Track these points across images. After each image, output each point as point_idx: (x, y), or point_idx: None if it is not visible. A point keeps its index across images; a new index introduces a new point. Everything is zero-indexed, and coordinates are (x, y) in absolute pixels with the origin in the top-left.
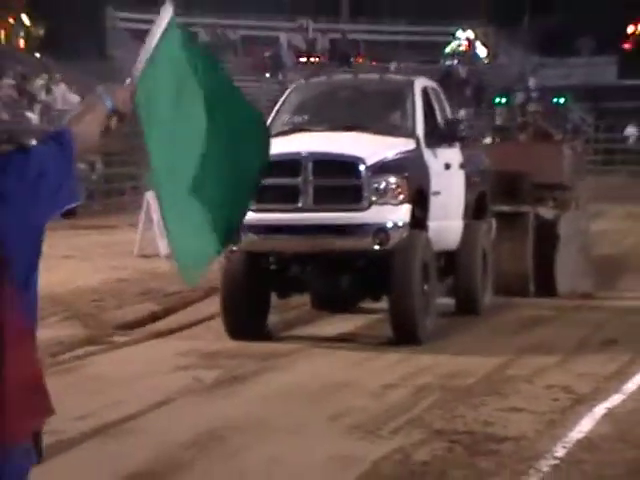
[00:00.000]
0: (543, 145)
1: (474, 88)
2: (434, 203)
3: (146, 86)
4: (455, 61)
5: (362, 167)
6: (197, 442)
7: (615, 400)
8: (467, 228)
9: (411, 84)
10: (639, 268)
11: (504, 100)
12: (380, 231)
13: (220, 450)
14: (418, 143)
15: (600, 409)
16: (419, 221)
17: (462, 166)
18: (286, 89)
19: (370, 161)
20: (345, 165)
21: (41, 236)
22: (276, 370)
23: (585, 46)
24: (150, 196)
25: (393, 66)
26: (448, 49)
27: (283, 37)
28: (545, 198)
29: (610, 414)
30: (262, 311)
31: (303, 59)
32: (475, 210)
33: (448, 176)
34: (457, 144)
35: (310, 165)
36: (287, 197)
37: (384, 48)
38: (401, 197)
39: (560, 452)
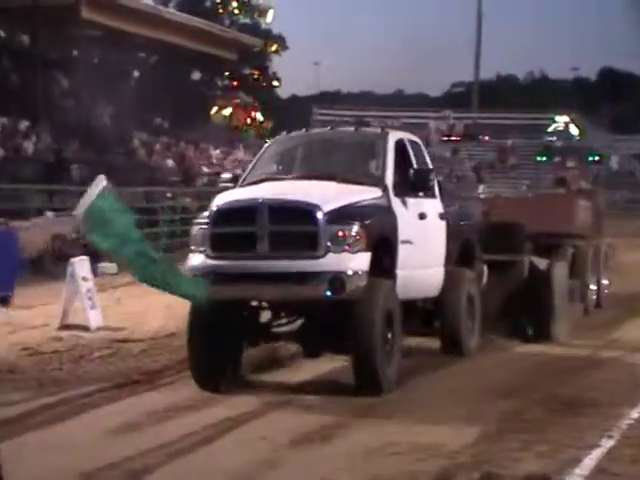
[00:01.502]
0: (554, 197)
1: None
2: (404, 251)
3: (89, 220)
4: (554, 138)
5: (318, 214)
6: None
7: None
8: (450, 275)
9: (384, 136)
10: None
11: (544, 158)
12: (335, 279)
13: (378, 411)
14: (385, 192)
15: None
16: (385, 269)
17: (442, 216)
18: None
19: (327, 208)
20: (300, 212)
21: None
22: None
23: None
24: (75, 267)
25: (510, 142)
26: (550, 129)
27: (432, 123)
28: (562, 246)
29: None
30: (233, 360)
31: (445, 138)
32: (460, 258)
33: (422, 225)
34: (437, 195)
35: (266, 212)
36: (244, 244)
37: (502, 129)
38: (360, 245)
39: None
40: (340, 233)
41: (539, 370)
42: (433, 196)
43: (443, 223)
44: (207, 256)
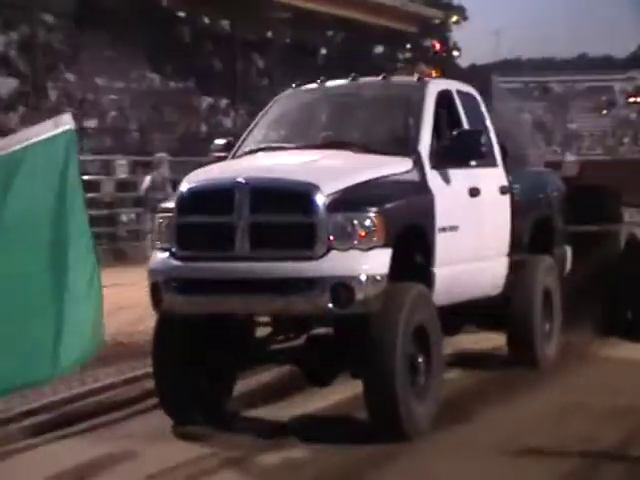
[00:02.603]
0: None
1: None
2: (444, 242)
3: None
4: None
5: (316, 197)
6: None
7: None
8: (518, 266)
9: (422, 88)
10: None
11: None
12: (340, 287)
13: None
14: (418, 163)
15: None
16: (417, 268)
17: (505, 190)
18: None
19: (329, 189)
20: (292, 195)
21: None
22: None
23: None
24: None
25: None
26: None
27: (617, 85)
28: None
29: None
30: (216, 387)
31: (631, 99)
32: (535, 241)
33: (475, 205)
34: (499, 164)
35: (247, 196)
36: (219, 241)
37: None
38: (376, 239)
39: None
40: (347, 224)
41: None
42: (493, 165)
43: (506, 199)
44: (172, 255)
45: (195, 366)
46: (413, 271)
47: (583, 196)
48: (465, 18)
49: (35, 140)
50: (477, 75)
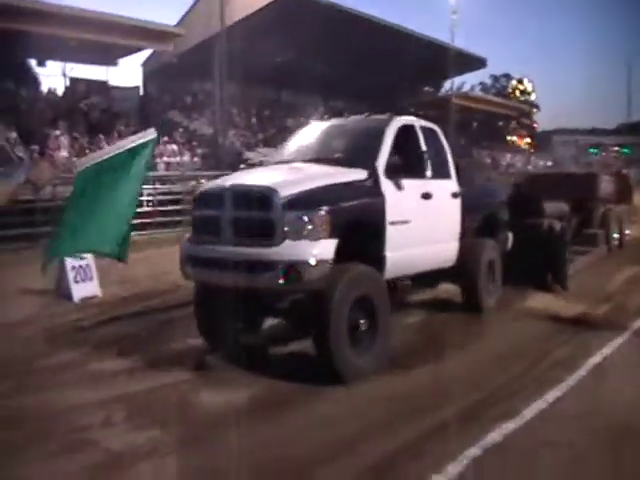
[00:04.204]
0: (582, 174)
1: None
2: (394, 232)
3: (88, 173)
4: None
5: (274, 199)
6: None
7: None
8: (469, 246)
9: (387, 122)
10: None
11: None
12: (290, 268)
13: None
14: (373, 173)
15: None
16: (370, 252)
17: (456, 195)
18: None
19: (286, 192)
20: (258, 197)
21: None
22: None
23: None
24: None
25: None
26: None
27: (606, 141)
28: (596, 207)
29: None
30: (241, 328)
31: (612, 149)
32: (484, 229)
33: (427, 205)
34: (452, 176)
35: (230, 198)
36: (214, 230)
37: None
38: (323, 231)
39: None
40: (298, 220)
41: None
42: (447, 177)
43: (457, 201)
44: (189, 239)
45: (220, 315)
46: (366, 255)
47: (523, 198)
48: (539, 109)
49: (139, 142)
50: (546, 136)
